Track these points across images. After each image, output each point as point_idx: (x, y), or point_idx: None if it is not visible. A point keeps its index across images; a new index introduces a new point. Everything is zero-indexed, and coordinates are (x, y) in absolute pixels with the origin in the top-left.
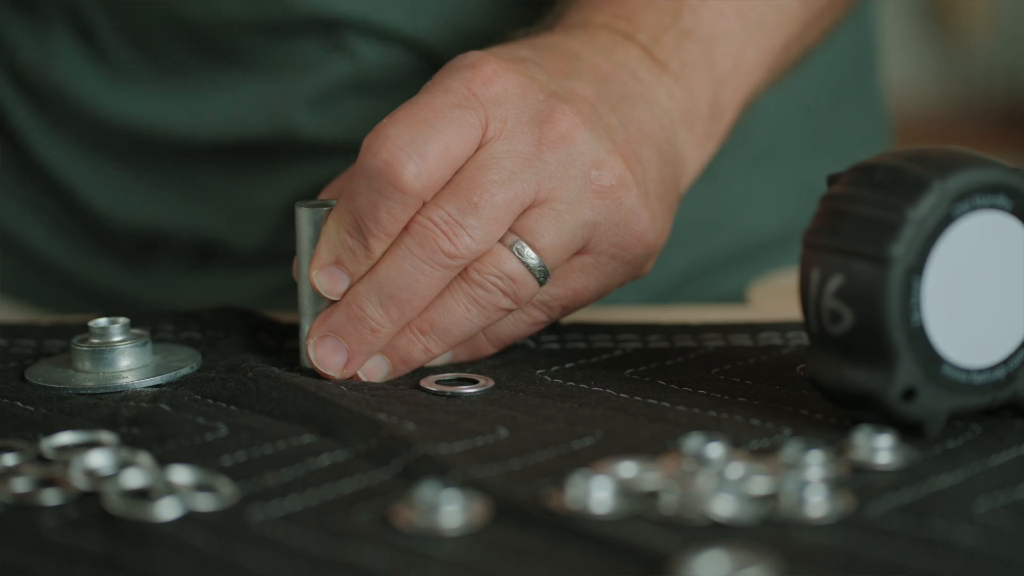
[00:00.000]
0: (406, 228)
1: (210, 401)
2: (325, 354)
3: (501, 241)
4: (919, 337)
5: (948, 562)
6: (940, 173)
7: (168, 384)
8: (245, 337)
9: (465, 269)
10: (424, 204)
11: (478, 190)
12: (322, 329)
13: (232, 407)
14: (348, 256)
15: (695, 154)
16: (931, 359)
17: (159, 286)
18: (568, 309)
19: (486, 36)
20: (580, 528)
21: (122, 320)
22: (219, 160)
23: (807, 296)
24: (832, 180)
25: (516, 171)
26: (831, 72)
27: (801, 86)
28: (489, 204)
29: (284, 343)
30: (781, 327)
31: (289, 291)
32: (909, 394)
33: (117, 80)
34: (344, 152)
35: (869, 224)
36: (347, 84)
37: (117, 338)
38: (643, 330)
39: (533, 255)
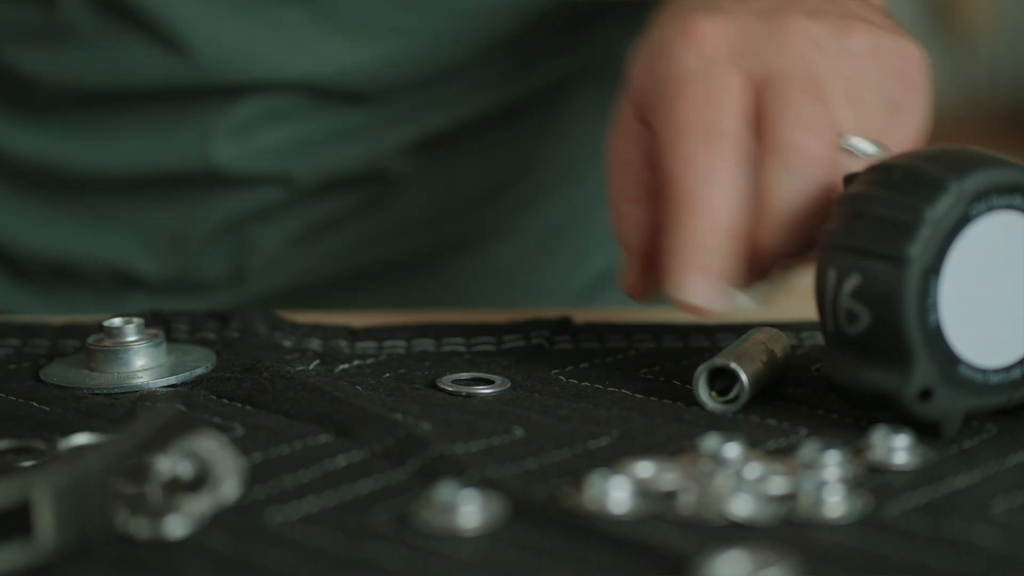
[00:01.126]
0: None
1: (225, 401)
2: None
3: None
4: (936, 337)
5: (968, 562)
6: (957, 173)
7: (183, 384)
8: (260, 337)
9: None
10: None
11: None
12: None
13: (248, 407)
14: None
15: None
16: (948, 359)
17: (77, 313)
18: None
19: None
20: (599, 528)
21: (137, 320)
22: (135, 192)
23: (823, 296)
24: (849, 180)
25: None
26: None
27: None
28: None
29: (301, 343)
30: (796, 327)
31: None
32: (925, 394)
33: (24, 116)
34: (265, 181)
35: (886, 224)
36: (267, 115)
37: (132, 338)
38: (657, 330)
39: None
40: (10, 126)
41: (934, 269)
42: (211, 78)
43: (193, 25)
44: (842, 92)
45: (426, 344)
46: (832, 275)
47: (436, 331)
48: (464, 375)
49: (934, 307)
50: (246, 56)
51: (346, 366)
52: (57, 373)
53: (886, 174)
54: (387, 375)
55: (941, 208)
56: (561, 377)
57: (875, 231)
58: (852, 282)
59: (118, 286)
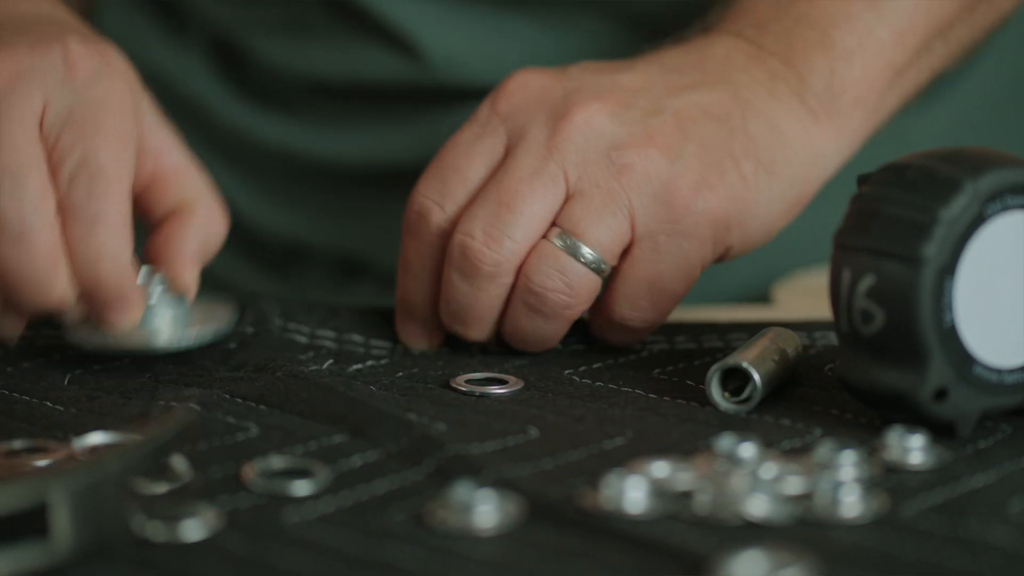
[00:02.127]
0: (449, 250)
1: (239, 400)
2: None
3: (545, 237)
4: (951, 337)
5: (984, 562)
6: (972, 173)
7: (199, 388)
8: (274, 335)
9: (519, 277)
10: (458, 223)
11: (506, 191)
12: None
13: (262, 406)
14: (413, 308)
15: (807, 128)
16: (963, 359)
17: (306, 297)
18: (657, 305)
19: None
20: (615, 528)
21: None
22: (369, 183)
23: (838, 296)
24: (862, 180)
25: (538, 166)
26: (980, 92)
27: (945, 108)
28: (519, 201)
29: (315, 335)
30: (808, 327)
31: None
32: (941, 394)
33: (271, 107)
34: None
35: (901, 224)
36: None
37: (153, 300)
38: (670, 331)
39: (577, 243)
40: (259, 115)
41: (949, 269)
42: (440, 80)
43: (424, 30)
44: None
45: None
46: (847, 275)
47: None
48: (477, 375)
49: (949, 307)
50: (473, 60)
51: (359, 366)
52: (82, 333)
53: (900, 174)
54: (400, 374)
55: (956, 208)
56: (575, 377)
57: (890, 231)
58: (867, 282)
59: (347, 272)
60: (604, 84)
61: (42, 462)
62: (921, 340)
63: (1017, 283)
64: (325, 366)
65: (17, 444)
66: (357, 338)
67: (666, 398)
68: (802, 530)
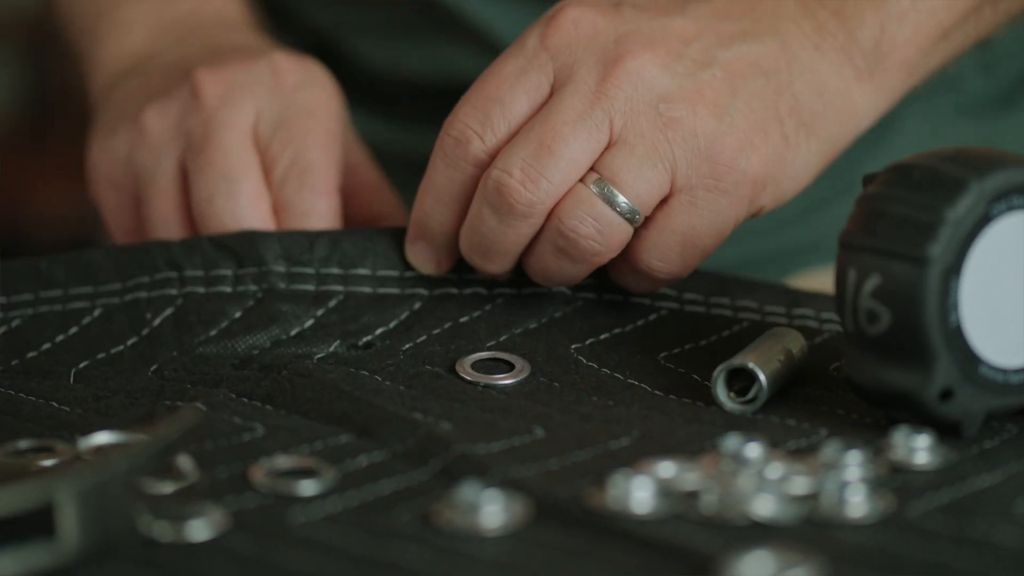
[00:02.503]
0: (482, 183)
1: (245, 400)
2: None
3: (581, 182)
4: (956, 337)
5: (991, 562)
6: (977, 173)
7: (204, 386)
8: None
9: (550, 218)
10: (497, 156)
11: (549, 132)
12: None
13: (268, 406)
14: (430, 232)
15: (850, 86)
16: (968, 359)
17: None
18: (687, 258)
19: None
20: (622, 528)
21: None
22: None
23: (843, 296)
24: (868, 180)
25: (584, 110)
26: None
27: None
28: (561, 144)
29: (321, 284)
30: (816, 302)
31: None
32: (946, 394)
33: (361, 105)
34: None
35: (906, 224)
36: None
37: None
38: (681, 286)
39: (615, 191)
40: (358, 113)
41: (955, 269)
42: None
43: (509, 31)
44: None
45: (449, 288)
46: (852, 275)
47: (458, 273)
48: (484, 355)
49: (955, 307)
50: None
51: (368, 338)
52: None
53: (905, 174)
54: (407, 346)
55: (961, 208)
56: (581, 358)
57: (895, 231)
58: (872, 282)
59: None
60: (656, 30)
61: (48, 462)
62: (927, 340)
63: (1022, 283)
64: (332, 348)
65: (23, 444)
66: (363, 272)
67: (672, 396)
68: (808, 530)
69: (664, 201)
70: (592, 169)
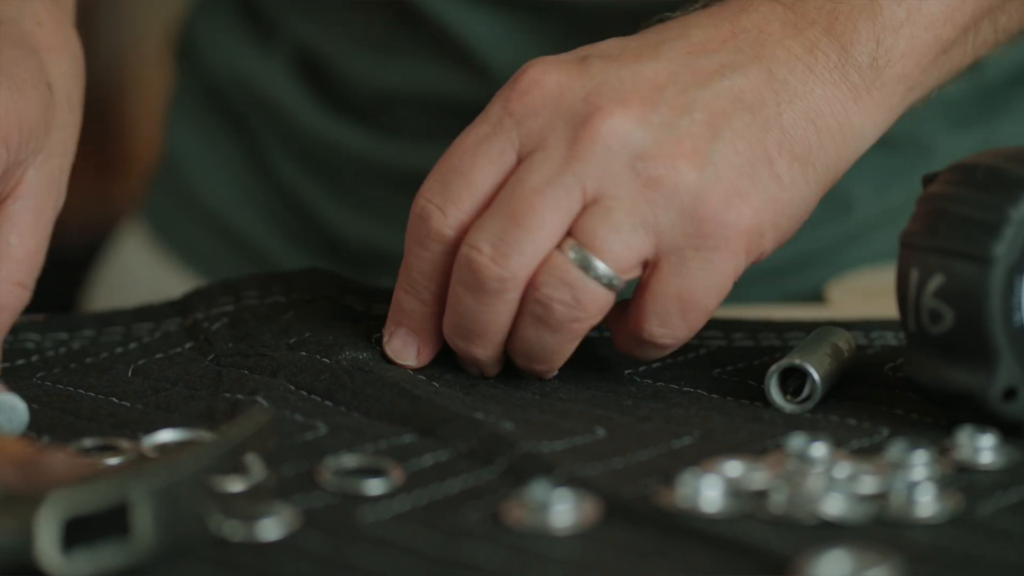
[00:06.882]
0: (456, 261)
1: (304, 393)
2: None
3: (558, 248)
4: (1020, 337)
5: None
6: None
7: (260, 375)
8: (331, 300)
9: (527, 289)
10: (466, 234)
11: (517, 203)
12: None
13: (328, 403)
14: (408, 316)
15: (847, 107)
16: None
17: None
18: (689, 321)
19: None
20: (692, 527)
21: None
22: None
23: (905, 295)
24: (928, 180)
25: (553, 176)
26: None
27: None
28: (530, 215)
29: (371, 308)
30: (865, 326)
31: None
32: (1010, 394)
33: (344, 116)
34: None
35: (970, 224)
36: None
37: None
38: (727, 327)
39: (591, 257)
40: (340, 124)
41: (1019, 268)
42: None
43: (491, 48)
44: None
45: None
46: (915, 275)
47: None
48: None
49: (1019, 306)
50: None
51: None
52: None
53: (968, 174)
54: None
55: None
56: (635, 377)
57: (959, 231)
58: (936, 282)
59: None
60: (626, 81)
61: (113, 460)
62: (990, 340)
63: None
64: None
65: (87, 443)
66: None
67: (729, 398)
68: (879, 530)
69: (654, 264)
70: (569, 234)
